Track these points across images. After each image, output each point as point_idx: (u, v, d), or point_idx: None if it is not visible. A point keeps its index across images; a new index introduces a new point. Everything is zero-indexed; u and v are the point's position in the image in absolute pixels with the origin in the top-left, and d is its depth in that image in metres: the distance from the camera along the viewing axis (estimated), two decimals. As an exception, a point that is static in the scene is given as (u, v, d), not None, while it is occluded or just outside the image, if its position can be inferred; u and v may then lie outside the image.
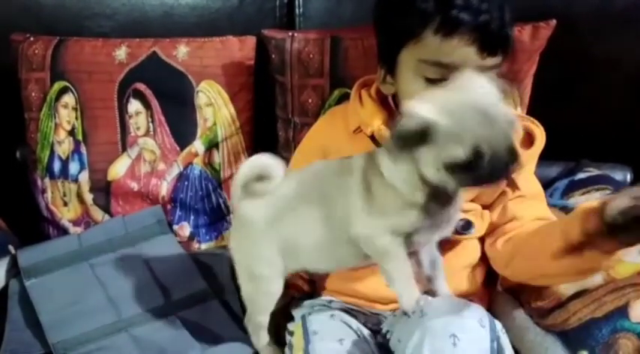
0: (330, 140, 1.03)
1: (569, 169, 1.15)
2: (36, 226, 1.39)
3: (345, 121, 1.02)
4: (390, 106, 0.99)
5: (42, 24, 1.38)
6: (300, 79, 1.25)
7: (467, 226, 0.96)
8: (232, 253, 0.97)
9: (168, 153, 1.31)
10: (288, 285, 0.97)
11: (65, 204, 1.35)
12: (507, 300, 0.97)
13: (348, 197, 0.85)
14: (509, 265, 0.93)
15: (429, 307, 0.80)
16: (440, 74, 0.86)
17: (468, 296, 0.91)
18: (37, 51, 1.33)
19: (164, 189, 1.31)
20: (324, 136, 1.05)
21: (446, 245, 0.92)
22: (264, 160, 0.91)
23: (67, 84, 1.32)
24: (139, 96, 1.30)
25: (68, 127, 1.33)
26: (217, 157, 1.31)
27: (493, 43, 0.86)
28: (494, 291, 1.02)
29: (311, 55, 1.24)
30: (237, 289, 0.98)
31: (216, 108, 1.29)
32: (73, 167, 1.33)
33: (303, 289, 1.05)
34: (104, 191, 1.32)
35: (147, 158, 1.31)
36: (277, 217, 0.90)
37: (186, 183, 1.31)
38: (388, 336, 0.91)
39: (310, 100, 1.25)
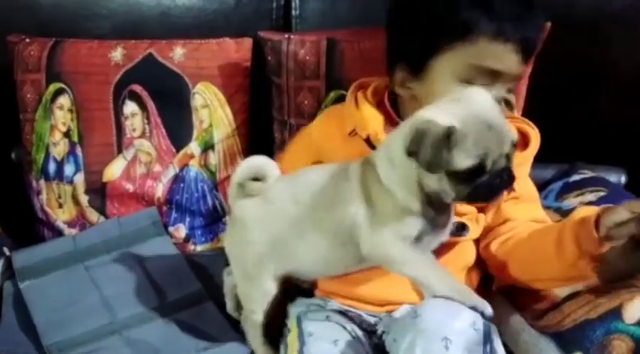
0: (325, 140, 1.03)
1: (563, 171, 1.16)
2: (31, 228, 1.39)
3: (340, 123, 1.02)
4: (387, 110, 0.99)
5: (38, 25, 1.39)
6: (296, 81, 1.25)
7: (461, 228, 0.96)
8: (227, 251, 0.98)
9: (164, 154, 1.31)
10: (288, 282, 0.97)
11: (60, 205, 1.35)
12: (502, 301, 0.97)
13: (348, 205, 0.85)
14: (503, 268, 0.94)
15: (422, 308, 0.80)
16: (486, 80, 0.88)
17: None
18: (32, 52, 1.33)
19: (160, 190, 1.31)
20: (320, 136, 1.05)
21: (441, 248, 0.92)
22: (261, 161, 0.92)
23: (63, 85, 1.32)
24: (135, 97, 1.30)
25: (64, 129, 1.33)
26: (213, 159, 1.31)
27: (532, 53, 0.88)
28: (489, 293, 1.02)
29: (307, 57, 1.24)
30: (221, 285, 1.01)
31: (212, 109, 1.29)
32: (69, 169, 1.33)
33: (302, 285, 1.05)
34: (99, 193, 1.32)
35: (142, 160, 1.31)
36: (270, 219, 0.91)
37: (182, 185, 1.31)
38: (384, 337, 0.90)
39: (306, 102, 1.25)
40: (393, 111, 0.99)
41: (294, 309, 0.99)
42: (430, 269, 0.83)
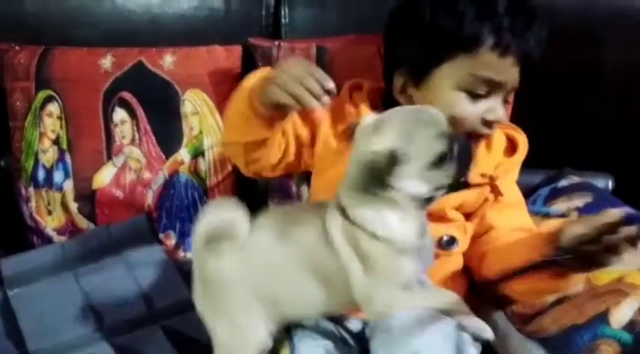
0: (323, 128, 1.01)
1: (551, 177, 1.16)
2: (20, 235, 1.38)
3: (335, 122, 1.01)
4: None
5: (27, 33, 1.38)
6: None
7: (450, 241, 0.95)
8: (203, 314, 0.88)
9: (153, 161, 1.31)
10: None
11: (50, 213, 1.35)
12: (490, 307, 0.97)
13: (338, 261, 0.81)
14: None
15: (395, 321, 0.79)
16: (487, 90, 0.89)
17: None
18: (22, 60, 1.33)
19: (150, 197, 1.31)
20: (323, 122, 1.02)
21: None
22: (227, 217, 0.85)
23: (52, 93, 1.31)
24: (125, 105, 1.30)
25: (53, 136, 1.33)
26: (203, 166, 1.31)
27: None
28: (477, 299, 1.02)
29: (297, 63, 1.25)
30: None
31: (202, 116, 1.29)
32: (58, 176, 1.33)
33: None
34: (89, 200, 1.32)
35: (132, 167, 1.31)
36: (255, 272, 0.85)
37: (172, 191, 1.31)
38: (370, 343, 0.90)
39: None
40: None
41: None
42: (434, 303, 0.81)
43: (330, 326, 0.94)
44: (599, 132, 1.24)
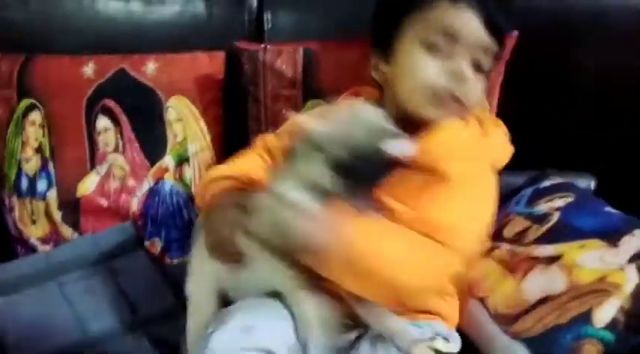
0: None
1: (534, 178, 1.16)
2: (4, 245, 1.37)
3: None
4: None
5: (8, 41, 1.37)
6: (273, 90, 1.26)
7: None
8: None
9: (138, 169, 1.30)
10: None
11: (34, 222, 1.34)
12: (476, 306, 0.97)
13: None
14: None
15: None
16: (440, 42, 0.89)
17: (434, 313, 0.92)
18: (3, 68, 1.33)
19: (134, 205, 1.30)
20: None
21: None
22: None
23: (34, 101, 1.31)
24: (108, 112, 1.29)
25: (35, 145, 1.32)
26: (188, 172, 1.30)
27: (496, 19, 0.89)
28: (464, 297, 1.02)
29: (284, 66, 1.25)
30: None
31: (186, 123, 1.29)
32: (41, 185, 1.32)
33: None
34: (73, 208, 1.31)
35: (116, 174, 1.31)
36: None
37: (156, 198, 1.30)
38: None
39: (284, 111, 1.25)
40: None
41: None
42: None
43: None
44: (581, 133, 1.25)
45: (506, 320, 0.90)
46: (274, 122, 1.26)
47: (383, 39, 0.96)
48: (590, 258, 0.88)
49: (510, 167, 1.03)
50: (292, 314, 0.86)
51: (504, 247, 1.00)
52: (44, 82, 1.31)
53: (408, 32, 0.92)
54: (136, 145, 1.30)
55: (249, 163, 1.02)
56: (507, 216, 1.07)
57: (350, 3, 1.31)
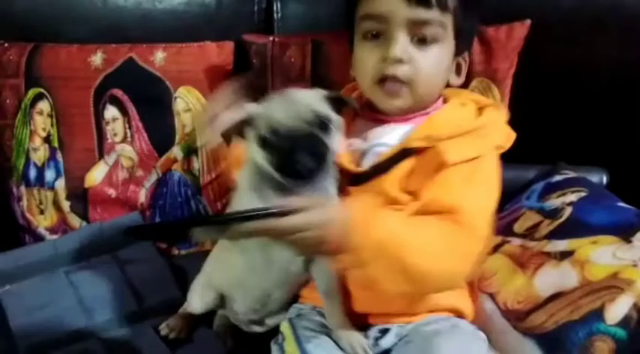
0: None
1: (546, 172, 1.16)
2: (12, 235, 1.37)
3: None
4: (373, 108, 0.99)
5: (16, 30, 1.37)
6: (281, 84, 1.24)
7: None
8: None
9: (146, 159, 1.30)
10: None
11: (42, 212, 1.34)
12: (487, 301, 0.97)
13: None
14: None
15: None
16: (375, 29, 0.90)
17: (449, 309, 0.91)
18: (11, 57, 1.32)
19: (143, 195, 1.30)
20: None
21: None
22: None
23: (42, 90, 1.30)
24: (116, 102, 1.29)
25: (44, 134, 1.32)
26: (196, 163, 1.30)
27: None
28: (475, 293, 1.01)
29: (292, 59, 1.24)
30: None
31: (194, 113, 1.28)
32: (49, 174, 1.32)
33: None
34: (81, 198, 1.31)
35: (125, 165, 1.30)
36: None
37: (164, 189, 1.30)
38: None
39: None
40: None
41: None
42: None
43: None
44: (593, 127, 1.24)
45: (517, 316, 0.90)
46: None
47: (350, 43, 0.97)
48: (602, 254, 0.87)
49: (521, 161, 1.02)
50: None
51: (515, 242, 0.99)
52: (52, 71, 1.30)
53: (356, 28, 0.94)
54: (145, 135, 1.29)
55: None
56: (518, 210, 1.07)
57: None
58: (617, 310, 0.81)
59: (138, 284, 1.13)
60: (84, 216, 1.31)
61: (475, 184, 0.85)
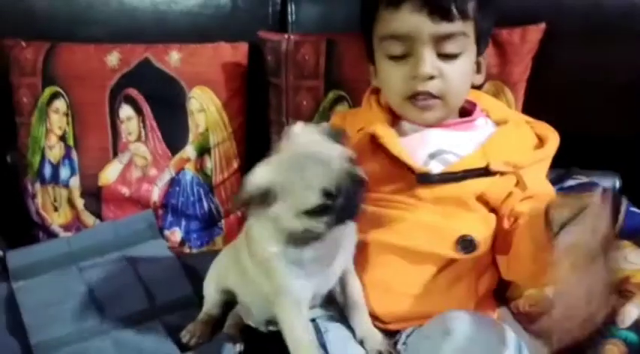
0: None
1: (559, 177, 1.16)
2: (26, 232, 1.39)
3: (353, 122, 1.03)
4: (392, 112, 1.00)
5: (33, 29, 1.38)
6: (295, 81, 1.25)
7: (468, 245, 0.89)
8: None
9: (159, 158, 1.31)
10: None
11: (56, 209, 1.35)
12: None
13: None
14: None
15: (454, 322, 0.79)
16: (400, 50, 0.91)
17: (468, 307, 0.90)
18: (28, 56, 1.34)
19: (155, 194, 1.31)
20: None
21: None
22: None
23: (59, 89, 1.32)
24: (131, 101, 1.30)
25: (59, 133, 1.33)
26: (209, 163, 1.31)
27: (442, 4, 0.87)
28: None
29: (306, 57, 1.24)
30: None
31: (208, 114, 1.29)
32: (64, 172, 1.33)
33: None
34: (95, 196, 1.32)
35: (138, 164, 1.31)
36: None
37: (177, 188, 1.31)
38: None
39: (305, 102, 1.25)
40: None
41: None
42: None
43: None
44: (606, 131, 1.23)
45: (528, 319, 0.90)
46: (295, 113, 1.26)
47: (369, 55, 0.99)
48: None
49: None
50: None
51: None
52: (68, 71, 1.32)
53: (377, 48, 0.95)
54: (158, 134, 1.30)
55: None
56: (531, 214, 1.06)
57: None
58: (628, 314, 0.81)
59: (150, 282, 1.13)
60: (97, 214, 1.33)
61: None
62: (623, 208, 0.71)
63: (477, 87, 1.07)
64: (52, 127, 1.33)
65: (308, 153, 0.78)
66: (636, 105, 1.21)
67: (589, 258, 0.68)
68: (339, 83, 1.22)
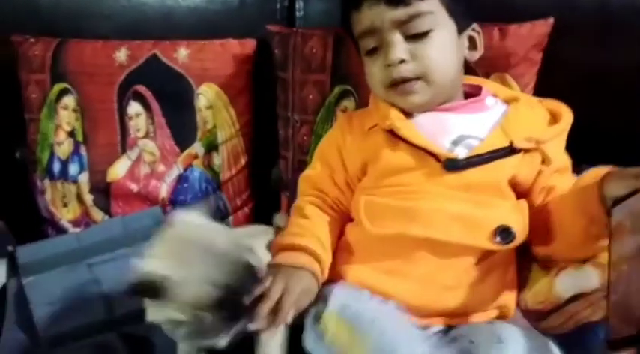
0: (344, 138, 1.01)
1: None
2: (35, 228, 1.39)
3: (361, 122, 1.02)
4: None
5: (42, 25, 1.39)
6: (301, 74, 1.25)
7: (506, 234, 0.87)
8: None
9: (168, 155, 1.31)
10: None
11: (65, 205, 1.36)
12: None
13: None
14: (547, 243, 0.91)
15: (506, 331, 0.80)
16: (372, 43, 0.93)
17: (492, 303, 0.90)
18: (37, 52, 1.34)
19: (164, 190, 1.31)
20: (340, 134, 1.03)
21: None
22: None
23: (67, 85, 1.32)
24: (139, 98, 1.30)
25: (68, 129, 1.34)
26: (217, 160, 1.31)
27: None
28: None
29: (314, 50, 1.24)
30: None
31: (216, 110, 1.30)
32: (73, 168, 1.34)
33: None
34: (104, 192, 1.33)
35: (147, 160, 1.32)
36: None
37: (185, 185, 1.31)
38: None
39: (311, 96, 1.25)
40: None
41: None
42: None
43: None
44: (616, 129, 1.23)
45: (537, 316, 0.90)
46: (301, 108, 1.26)
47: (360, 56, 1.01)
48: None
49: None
50: None
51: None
52: (77, 67, 1.32)
53: (359, 48, 0.98)
54: (167, 131, 1.31)
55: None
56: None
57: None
58: (638, 312, 0.81)
59: (158, 278, 1.14)
60: (106, 210, 1.33)
61: None
62: None
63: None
64: (61, 124, 1.34)
65: (197, 244, 0.79)
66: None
67: None
68: (346, 77, 1.22)
